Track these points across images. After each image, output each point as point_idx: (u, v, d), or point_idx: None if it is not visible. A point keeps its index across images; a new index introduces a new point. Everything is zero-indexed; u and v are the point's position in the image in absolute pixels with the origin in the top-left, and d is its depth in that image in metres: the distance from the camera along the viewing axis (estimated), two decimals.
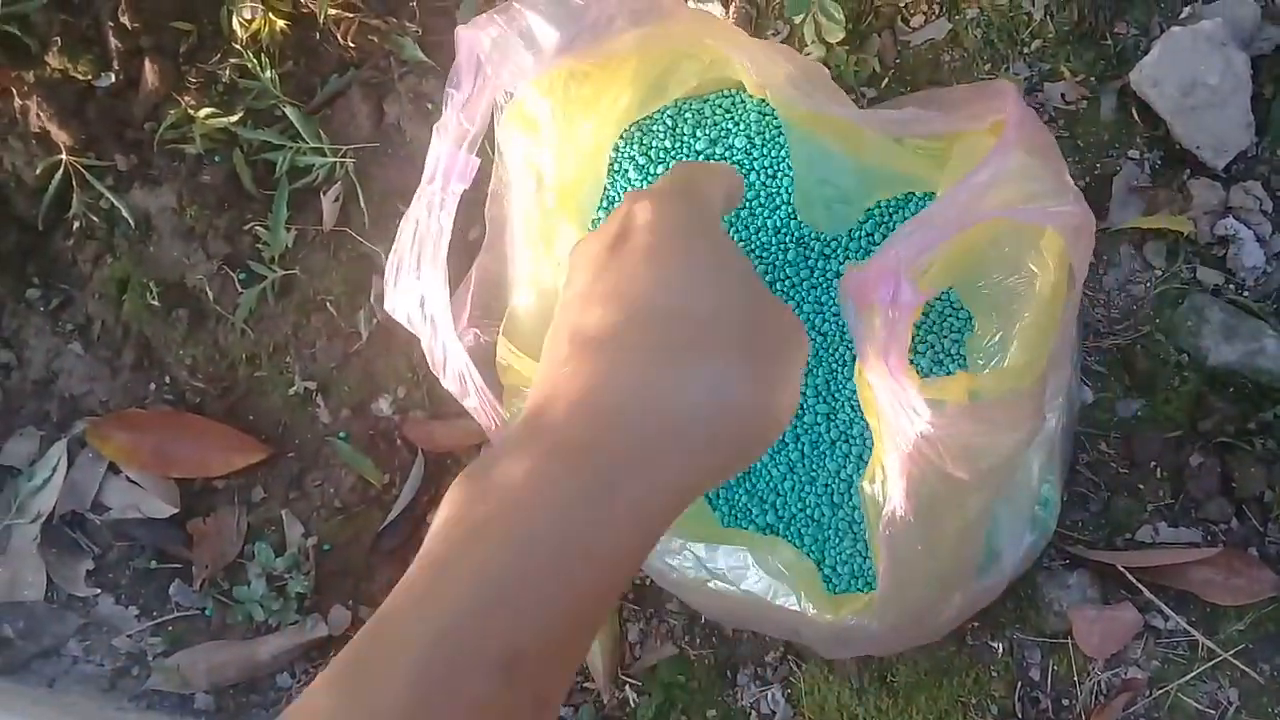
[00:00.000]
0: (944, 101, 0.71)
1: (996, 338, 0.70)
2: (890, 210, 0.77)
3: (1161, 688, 0.80)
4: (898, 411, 0.50)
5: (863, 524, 0.76)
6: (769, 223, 0.78)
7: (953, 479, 0.53)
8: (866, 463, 0.77)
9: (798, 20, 0.84)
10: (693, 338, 0.44)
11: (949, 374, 0.75)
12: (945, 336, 0.76)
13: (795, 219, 0.77)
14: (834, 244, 0.77)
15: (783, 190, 0.77)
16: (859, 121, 0.65)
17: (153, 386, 0.95)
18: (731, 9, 0.89)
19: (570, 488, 0.41)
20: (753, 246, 0.78)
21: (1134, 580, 0.79)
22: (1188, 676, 0.79)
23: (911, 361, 0.75)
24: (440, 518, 0.41)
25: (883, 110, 0.65)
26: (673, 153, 0.79)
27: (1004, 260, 0.66)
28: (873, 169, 0.72)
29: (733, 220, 0.79)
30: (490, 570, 0.38)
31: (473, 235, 0.86)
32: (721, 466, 0.45)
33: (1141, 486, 0.82)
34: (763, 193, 0.78)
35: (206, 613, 0.92)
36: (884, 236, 0.78)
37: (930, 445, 0.51)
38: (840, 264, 0.77)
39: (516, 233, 0.72)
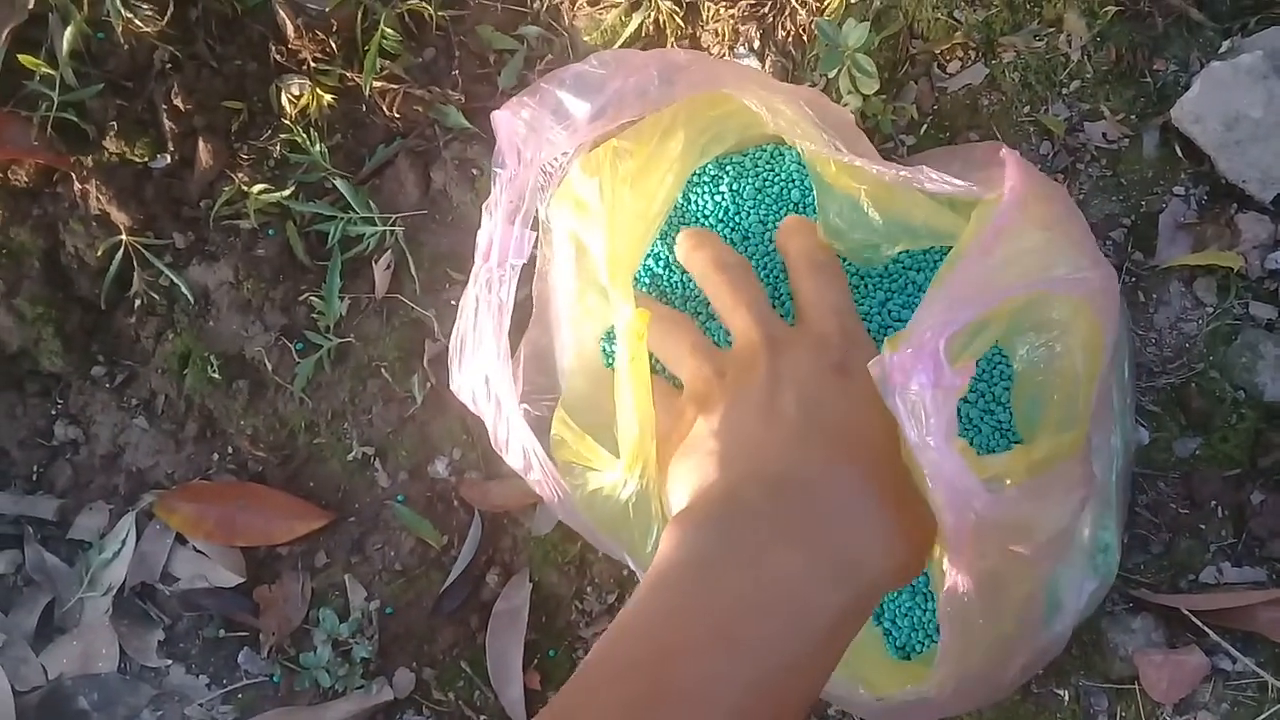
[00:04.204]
0: (967, 159, 0.71)
1: (1038, 381, 0.70)
2: (912, 264, 0.77)
3: None
4: (954, 497, 0.50)
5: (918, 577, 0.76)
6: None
7: (1013, 554, 0.53)
8: None
9: (832, 74, 0.84)
10: (900, 494, 0.53)
11: (999, 422, 0.75)
12: (996, 384, 0.76)
13: None
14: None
15: None
16: (878, 174, 0.66)
17: (216, 457, 0.97)
18: (767, 62, 0.90)
19: (836, 591, 0.50)
20: (780, 294, 0.79)
21: (1199, 623, 0.78)
22: (1259, 719, 0.78)
23: (959, 413, 0.75)
24: (706, 585, 0.50)
25: (900, 168, 0.66)
26: (721, 207, 0.79)
27: (1036, 321, 0.67)
28: (896, 219, 0.72)
29: (759, 267, 0.79)
30: (775, 653, 0.47)
31: (518, 298, 0.87)
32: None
33: (1203, 526, 0.81)
34: None
35: (274, 679, 0.93)
36: (903, 289, 0.78)
37: (990, 526, 0.51)
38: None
39: (562, 309, 0.73)
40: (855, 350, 0.59)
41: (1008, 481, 0.53)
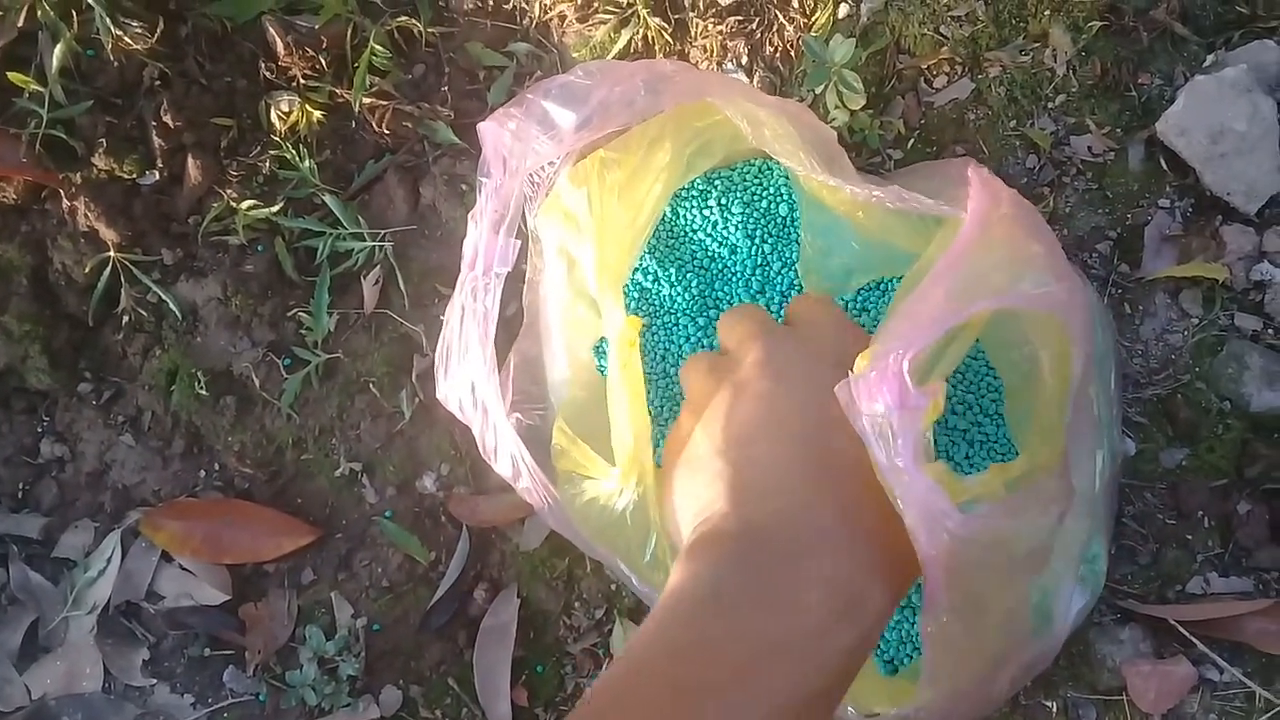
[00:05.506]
0: (945, 175, 0.71)
1: (1025, 394, 0.70)
2: (887, 289, 0.78)
3: None
4: (926, 518, 0.50)
5: None
6: (777, 287, 0.79)
7: (991, 570, 0.53)
8: None
9: (819, 89, 0.85)
10: (887, 518, 0.51)
11: (987, 435, 0.75)
12: (983, 396, 0.76)
13: (799, 286, 0.78)
14: None
15: (793, 256, 0.78)
16: (854, 194, 0.66)
17: (202, 474, 0.96)
18: (755, 78, 0.90)
19: (847, 627, 0.49)
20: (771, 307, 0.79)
21: (1187, 633, 0.78)
22: None
23: (949, 424, 0.75)
24: (721, 621, 0.49)
25: (873, 188, 0.66)
26: (709, 221, 0.80)
27: (1016, 335, 0.66)
28: (875, 241, 0.72)
29: (745, 281, 0.79)
30: (790, 691, 0.47)
31: (509, 312, 0.87)
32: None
33: (1190, 537, 0.81)
34: (774, 259, 0.79)
35: (260, 698, 0.93)
36: (876, 315, 0.78)
37: (965, 545, 0.50)
38: None
39: (553, 320, 0.73)
40: (852, 340, 0.58)
41: (980, 502, 0.52)
